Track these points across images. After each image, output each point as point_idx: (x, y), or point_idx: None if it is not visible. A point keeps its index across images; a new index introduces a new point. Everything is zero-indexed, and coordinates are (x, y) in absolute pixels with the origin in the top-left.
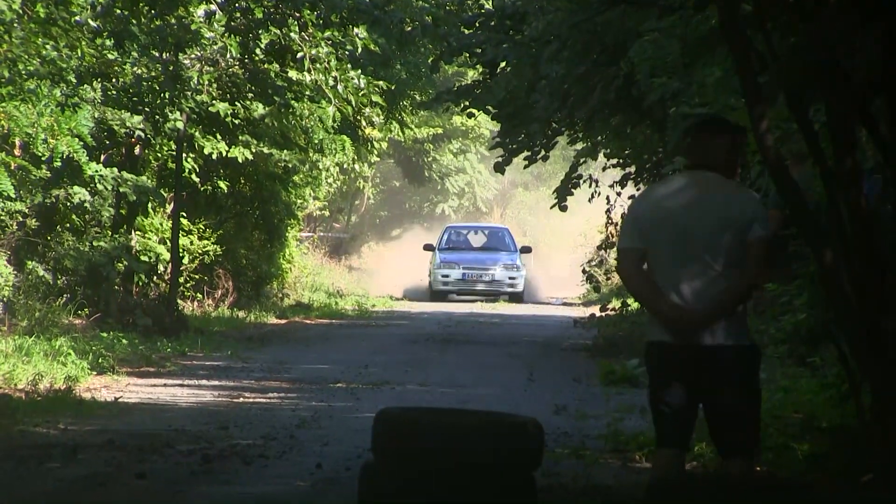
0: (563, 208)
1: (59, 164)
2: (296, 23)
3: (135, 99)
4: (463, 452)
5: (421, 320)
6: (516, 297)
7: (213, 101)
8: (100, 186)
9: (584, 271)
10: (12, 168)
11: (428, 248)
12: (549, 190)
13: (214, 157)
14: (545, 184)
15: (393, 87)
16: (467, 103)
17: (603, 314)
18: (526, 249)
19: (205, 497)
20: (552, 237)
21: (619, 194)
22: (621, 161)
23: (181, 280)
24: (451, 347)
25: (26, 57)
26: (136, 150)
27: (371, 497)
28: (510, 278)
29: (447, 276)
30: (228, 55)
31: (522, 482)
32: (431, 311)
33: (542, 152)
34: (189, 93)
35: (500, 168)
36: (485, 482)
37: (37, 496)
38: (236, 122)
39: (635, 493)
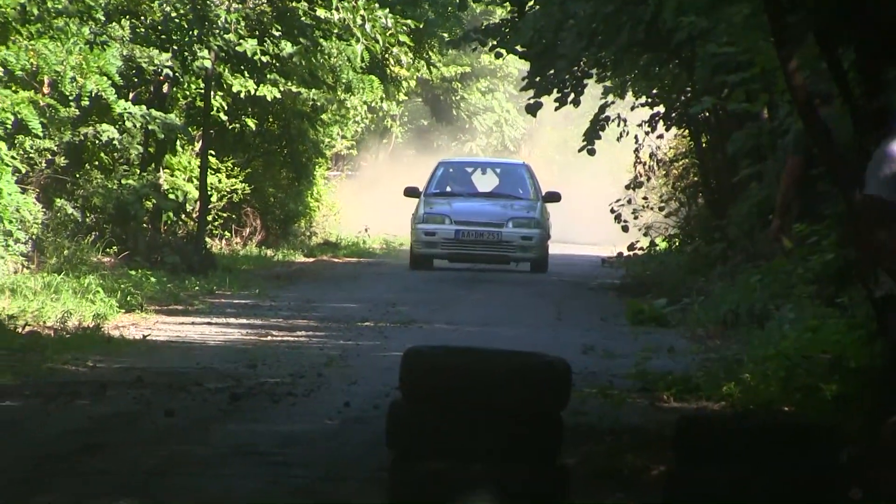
0: (592, 152)
1: (88, 102)
2: None
3: (163, 37)
4: (490, 391)
5: None
6: (536, 265)
7: (242, 40)
8: (128, 124)
9: (612, 211)
10: (41, 106)
11: (411, 192)
12: (577, 129)
13: (242, 95)
14: (573, 123)
15: (420, 26)
16: (494, 43)
17: (631, 253)
18: (552, 196)
19: (233, 435)
20: (581, 176)
21: (647, 133)
22: (650, 101)
23: (209, 218)
24: (479, 286)
25: None
26: (165, 88)
27: (398, 435)
28: (524, 238)
29: (432, 233)
30: None
31: (549, 421)
32: None
33: (573, 95)
34: (217, 31)
35: (531, 110)
36: (511, 421)
37: (66, 433)
38: (264, 60)
39: (663, 432)
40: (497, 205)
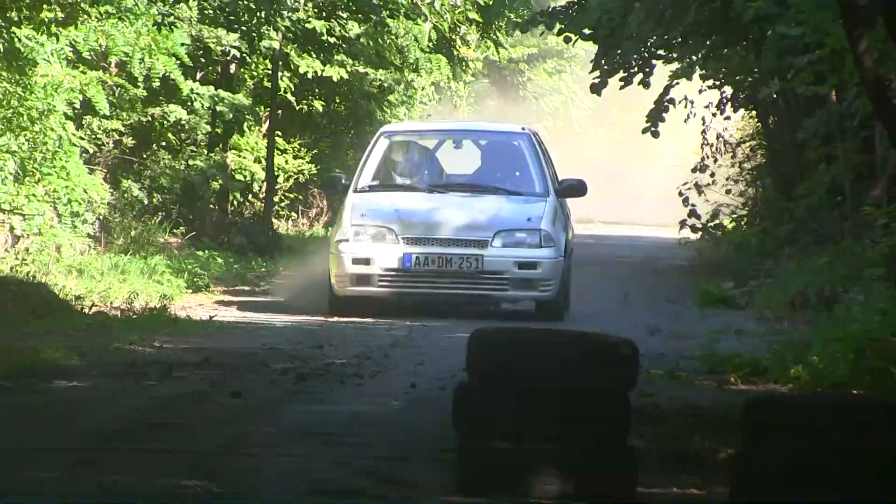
0: (655, 134)
1: (156, 82)
2: None
3: (231, 17)
4: (557, 372)
5: None
6: (547, 306)
7: (309, 20)
8: (196, 105)
9: (680, 193)
10: (109, 86)
11: (331, 186)
12: (643, 109)
13: (310, 76)
14: (640, 103)
15: (490, 3)
16: (562, 26)
17: (698, 235)
18: (573, 188)
19: (300, 415)
20: (647, 158)
21: (714, 115)
22: (717, 83)
23: (276, 199)
24: None
25: None
26: (232, 69)
27: (465, 416)
28: (522, 266)
29: (364, 260)
30: None
31: (617, 402)
32: None
33: (641, 76)
34: (285, 11)
35: (596, 89)
36: (579, 402)
37: (133, 413)
38: (331, 40)
39: (731, 414)
40: (477, 206)
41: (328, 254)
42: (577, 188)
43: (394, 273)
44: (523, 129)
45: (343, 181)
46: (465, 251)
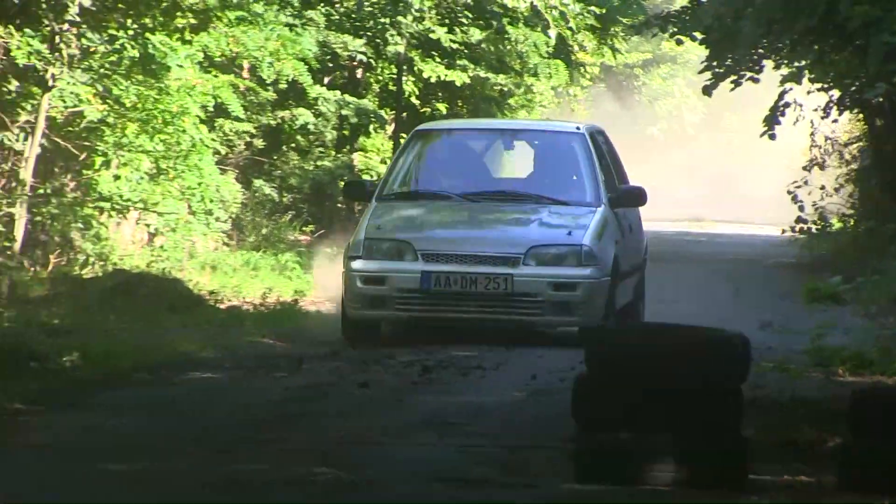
0: (773, 136)
1: (285, 86)
2: None
3: (357, 23)
4: (672, 365)
5: None
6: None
7: (433, 27)
8: (323, 108)
9: (789, 192)
10: (241, 90)
11: (355, 193)
12: (753, 111)
13: (433, 80)
14: (750, 105)
15: (604, 12)
16: (675, 30)
17: (806, 233)
18: (631, 197)
19: (424, 405)
20: (758, 159)
21: (823, 118)
22: (825, 86)
23: None
24: (658, 265)
25: None
26: (359, 73)
27: (583, 408)
28: (558, 287)
29: (379, 279)
30: None
31: (730, 395)
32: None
33: (748, 74)
34: (409, 18)
35: (707, 91)
36: (693, 395)
37: (265, 404)
38: (454, 46)
39: (838, 405)
40: (511, 218)
41: (341, 271)
42: (635, 197)
43: (411, 295)
44: (578, 127)
45: (368, 187)
46: (493, 270)
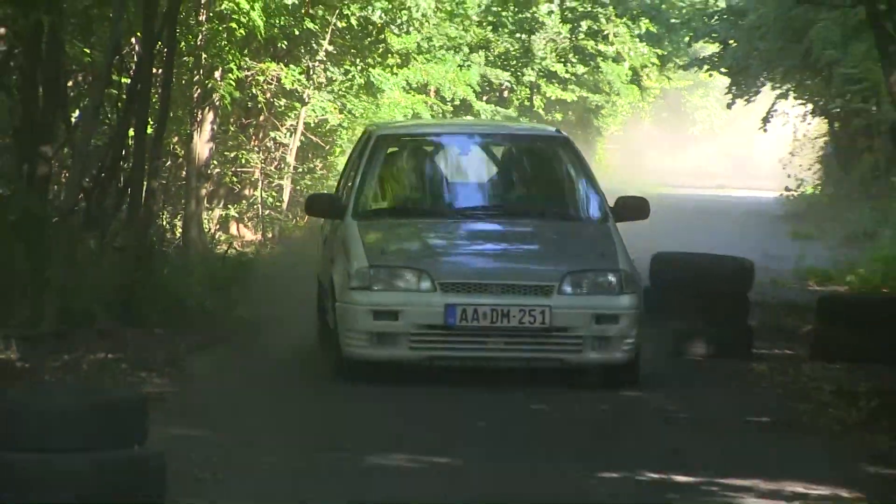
0: (765, 130)
1: (458, 103)
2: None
3: (504, 62)
4: (703, 280)
5: None
6: (623, 370)
7: (553, 64)
8: (482, 116)
9: (782, 165)
10: (429, 105)
11: (318, 208)
12: (756, 116)
13: (554, 98)
14: (757, 113)
15: (664, 54)
16: (707, 67)
17: (789, 193)
18: (636, 210)
19: None
20: (759, 148)
21: (801, 122)
22: (802, 102)
23: None
24: (693, 215)
25: (438, 35)
26: (505, 94)
27: (648, 310)
28: (601, 320)
29: (392, 313)
30: (562, 35)
31: (741, 299)
32: None
33: (754, 96)
34: (537, 59)
35: (729, 105)
36: (716, 299)
37: None
38: (566, 76)
39: (810, 304)
40: (530, 237)
41: (333, 304)
42: (638, 209)
43: (432, 331)
44: (558, 131)
45: (336, 202)
46: (527, 301)
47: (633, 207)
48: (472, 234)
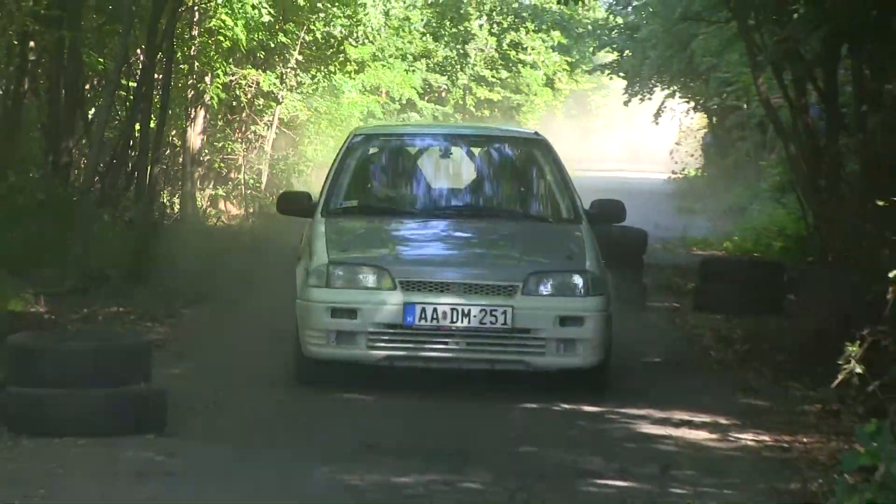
0: (657, 123)
1: (405, 102)
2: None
3: (441, 68)
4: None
5: None
6: (593, 373)
7: (483, 70)
8: (425, 113)
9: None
10: (381, 103)
11: (292, 207)
12: (647, 112)
13: (482, 97)
14: (649, 110)
15: (572, 62)
16: (609, 72)
17: (675, 176)
18: (612, 213)
19: None
20: (653, 138)
21: (685, 116)
22: (687, 100)
23: None
24: (596, 194)
25: (388, 46)
26: (443, 94)
27: None
28: (565, 322)
29: (350, 311)
30: (489, 45)
31: (638, 262)
32: None
33: (648, 96)
34: (469, 66)
35: (626, 103)
36: (616, 260)
37: None
38: (493, 79)
39: (693, 266)
40: (498, 237)
41: (295, 300)
42: (615, 212)
43: (390, 330)
44: (537, 133)
45: (307, 200)
46: (489, 301)
47: (609, 210)
48: (439, 233)
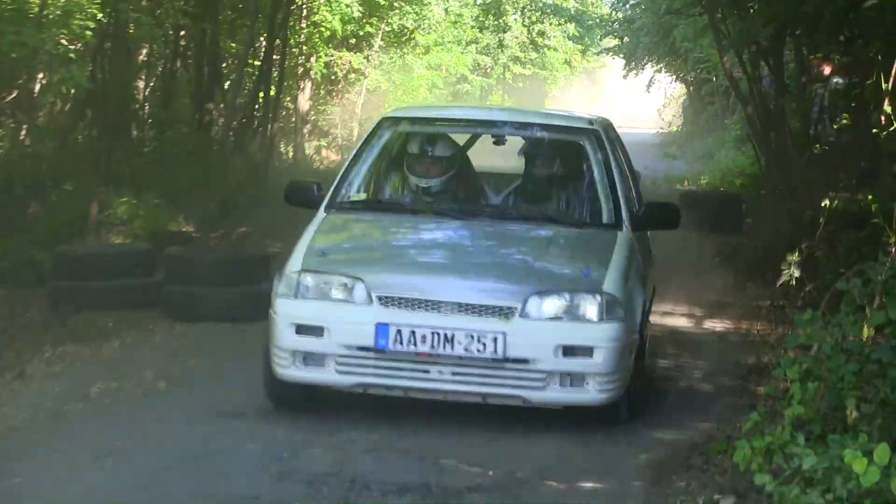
0: (649, 91)
1: (459, 76)
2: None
3: (486, 51)
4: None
5: None
6: (608, 410)
7: (517, 51)
8: (474, 85)
9: (658, 113)
10: (442, 77)
11: (300, 198)
12: (641, 85)
13: (517, 73)
14: (640, 83)
15: (584, 48)
16: (612, 52)
17: (659, 131)
18: (664, 219)
19: None
20: (644, 102)
21: (670, 85)
22: (672, 74)
23: None
24: None
25: (447, 34)
26: (488, 71)
27: None
28: (568, 353)
29: (315, 329)
30: (522, 34)
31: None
32: None
33: (642, 72)
34: (506, 48)
35: (625, 76)
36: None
37: None
38: (524, 59)
39: (675, 198)
40: (503, 245)
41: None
42: (667, 219)
43: (360, 354)
44: (591, 122)
45: (315, 190)
46: (479, 324)
47: (660, 217)
48: (443, 238)
